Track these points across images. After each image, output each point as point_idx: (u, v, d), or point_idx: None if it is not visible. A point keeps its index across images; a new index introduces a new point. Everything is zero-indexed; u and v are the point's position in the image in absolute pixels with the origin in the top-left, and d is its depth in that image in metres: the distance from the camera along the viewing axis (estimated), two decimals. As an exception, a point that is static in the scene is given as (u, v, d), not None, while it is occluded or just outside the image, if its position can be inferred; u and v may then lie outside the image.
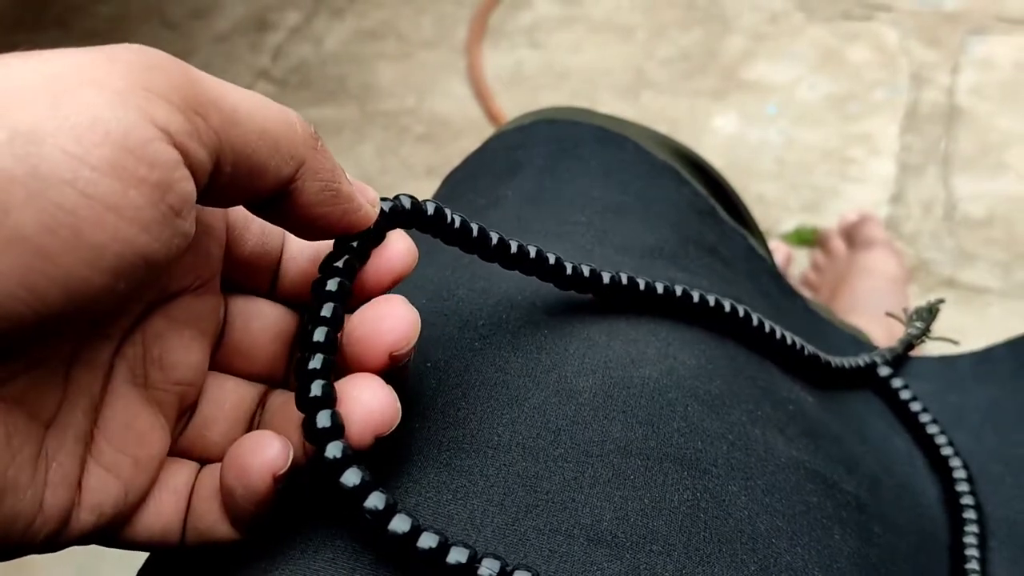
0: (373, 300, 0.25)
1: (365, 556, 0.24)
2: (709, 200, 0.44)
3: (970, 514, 0.37)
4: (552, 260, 0.30)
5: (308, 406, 0.23)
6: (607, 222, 0.38)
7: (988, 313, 0.95)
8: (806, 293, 0.94)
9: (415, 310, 0.24)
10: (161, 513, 0.24)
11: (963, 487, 0.38)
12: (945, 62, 1.18)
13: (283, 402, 0.26)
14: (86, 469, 0.22)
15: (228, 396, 0.26)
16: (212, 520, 0.24)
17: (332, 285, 0.25)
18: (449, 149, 1.18)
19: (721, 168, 0.54)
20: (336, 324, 0.24)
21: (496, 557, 0.23)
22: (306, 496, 0.26)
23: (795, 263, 1.02)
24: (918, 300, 0.96)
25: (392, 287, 0.26)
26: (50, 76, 0.18)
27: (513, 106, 1.21)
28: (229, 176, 0.21)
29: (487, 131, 1.14)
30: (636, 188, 0.41)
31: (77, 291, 0.18)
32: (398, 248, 0.26)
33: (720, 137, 1.15)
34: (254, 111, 0.21)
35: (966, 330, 0.93)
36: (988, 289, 0.97)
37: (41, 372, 0.21)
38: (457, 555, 0.23)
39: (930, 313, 0.44)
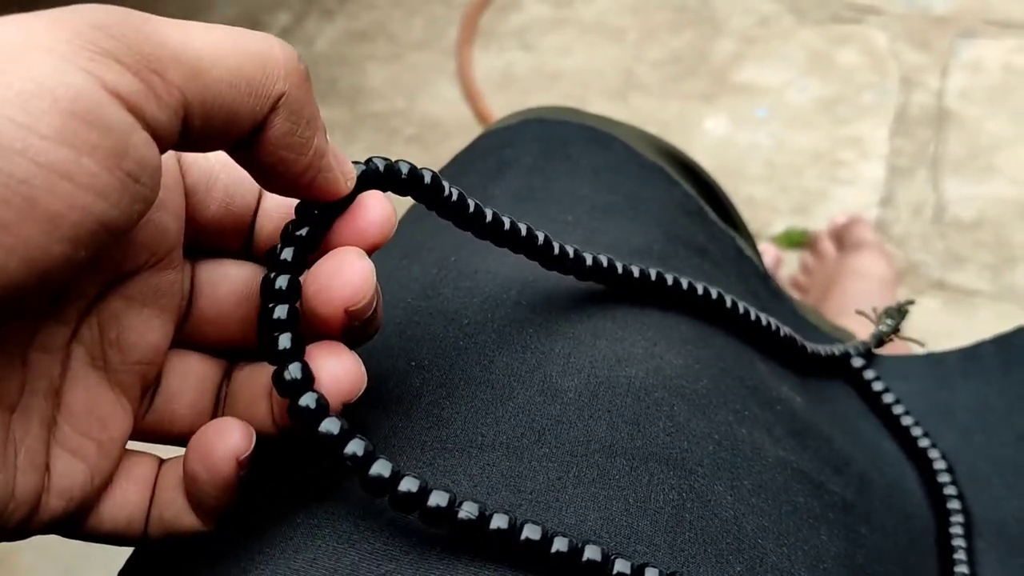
0: (327, 255, 0.23)
1: (346, 556, 0.24)
2: (698, 201, 0.44)
3: (954, 504, 0.37)
4: (541, 237, 0.29)
5: (278, 358, 0.23)
6: (595, 222, 0.38)
7: (977, 316, 0.95)
8: (795, 295, 0.94)
9: (369, 261, 0.23)
10: (126, 503, 0.24)
11: (944, 478, 0.38)
12: (935, 65, 1.18)
13: (248, 374, 0.26)
14: (52, 454, 0.22)
15: (192, 371, 0.26)
16: (176, 510, 0.24)
17: (287, 254, 0.24)
18: (439, 150, 1.18)
19: (711, 170, 0.54)
20: (294, 295, 0.24)
21: (475, 501, 0.23)
22: (284, 494, 0.26)
23: (785, 265, 1.02)
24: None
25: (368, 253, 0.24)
26: None
27: (503, 108, 1.21)
28: (201, 128, 0.20)
29: (477, 133, 1.14)
30: (625, 188, 0.41)
31: (36, 261, 0.17)
32: (373, 214, 0.24)
33: (710, 139, 1.15)
34: (222, 55, 0.20)
35: (955, 333, 0.93)
36: (977, 292, 0.97)
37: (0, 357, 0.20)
38: (437, 499, 0.23)
39: (899, 312, 0.44)
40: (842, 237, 0.97)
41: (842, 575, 0.29)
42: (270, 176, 0.22)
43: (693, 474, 0.28)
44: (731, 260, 0.42)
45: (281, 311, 0.23)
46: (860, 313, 0.44)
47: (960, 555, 0.35)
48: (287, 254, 0.24)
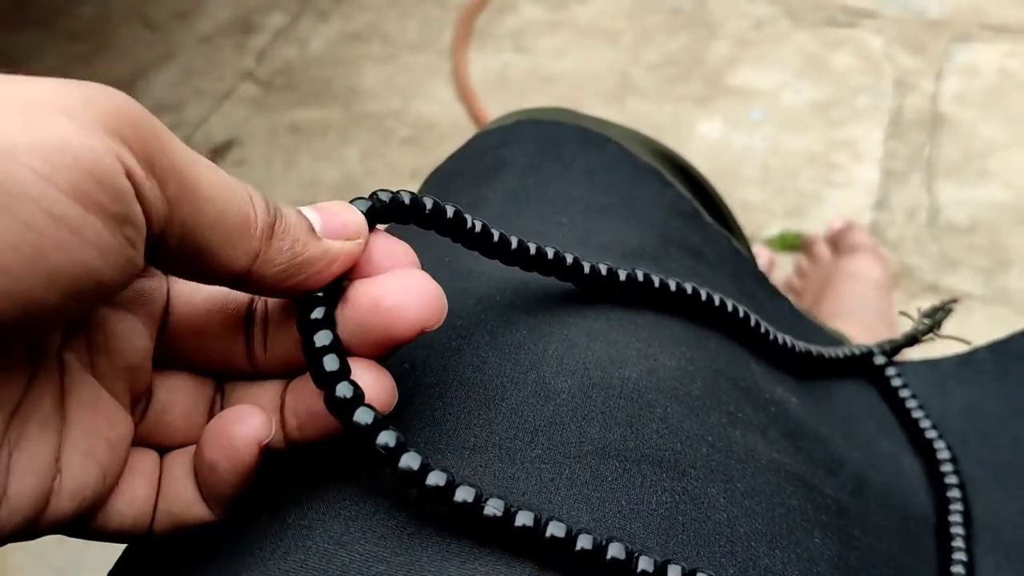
0: (387, 272, 0.24)
1: (337, 558, 0.24)
2: (692, 202, 0.44)
3: (954, 492, 0.37)
4: (533, 248, 0.29)
5: (319, 361, 0.23)
6: (589, 222, 0.38)
7: (971, 320, 0.95)
8: (790, 298, 0.94)
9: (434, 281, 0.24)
10: (134, 499, 0.24)
11: (947, 467, 0.38)
12: (929, 69, 1.18)
13: (245, 390, 0.26)
14: (63, 456, 0.22)
15: (182, 385, 0.26)
16: (186, 502, 0.24)
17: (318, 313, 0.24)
18: (434, 152, 1.18)
19: (705, 173, 0.54)
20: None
21: (500, 498, 0.24)
22: (273, 494, 0.25)
23: (778, 268, 1.02)
24: (902, 306, 0.96)
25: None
26: (24, 98, 0.18)
27: (498, 110, 1.21)
28: (175, 250, 0.20)
29: (472, 134, 1.13)
30: (619, 189, 0.40)
31: (31, 308, 0.18)
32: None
33: (705, 142, 1.15)
34: (215, 194, 0.21)
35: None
36: (971, 295, 0.97)
37: None
38: (464, 494, 0.23)
39: (942, 311, 0.44)
40: (837, 240, 0.97)
41: (837, 578, 0.29)
42: (286, 296, 0.24)
43: (686, 476, 0.28)
44: (726, 261, 0.42)
45: (324, 337, 0.23)
46: (904, 314, 0.44)
47: (958, 543, 0.35)
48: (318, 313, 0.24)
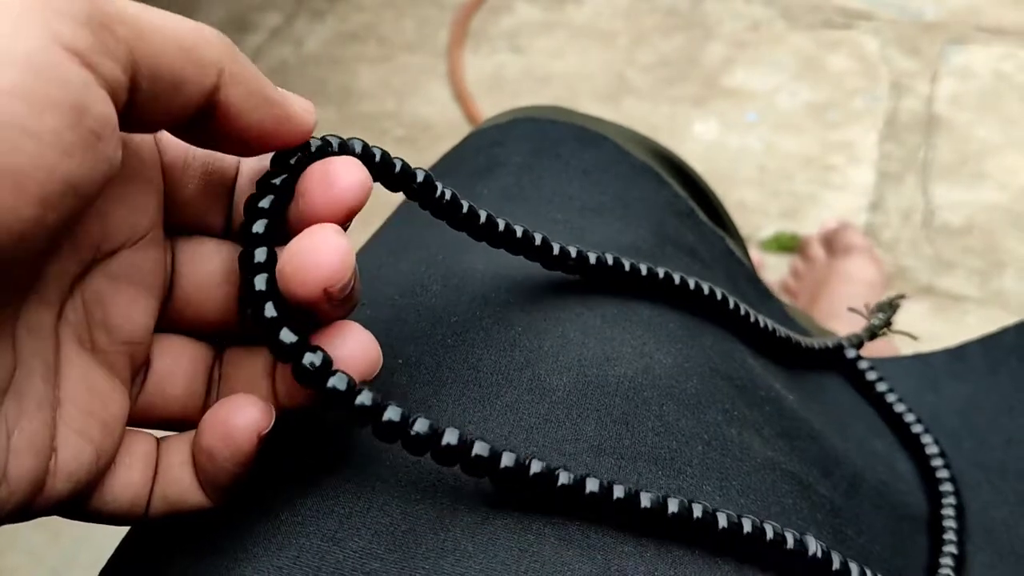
0: (302, 232, 0.23)
1: (331, 555, 0.24)
2: (688, 202, 0.44)
3: (946, 487, 0.37)
4: (501, 225, 0.29)
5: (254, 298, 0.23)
6: (585, 220, 0.38)
7: (965, 321, 0.95)
8: (785, 299, 0.94)
9: (346, 238, 0.23)
10: (130, 482, 0.23)
11: (937, 462, 0.38)
12: (925, 71, 1.18)
13: (242, 356, 0.26)
14: (58, 435, 0.22)
15: (182, 353, 0.25)
16: (183, 487, 0.24)
17: (265, 203, 0.23)
18: (429, 153, 1.18)
19: (701, 174, 0.54)
20: (272, 238, 0.23)
21: (485, 441, 0.24)
22: (266, 489, 0.25)
23: (767, 270, 1.02)
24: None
25: (342, 222, 0.23)
26: None
27: (494, 110, 1.21)
28: (148, 92, 0.20)
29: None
30: (615, 188, 0.40)
31: (6, 224, 0.17)
32: (346, 179, 0.23)
33: (700, 143, 1.15)
34: (163, 22, 0.20)
35: (943, 338, 0.93)
36: (966, 297, 0.97)
37: None
38: (450, 437, 0.23)
39: (891, 307, 0.44)
40: (832, 241, 0.97)
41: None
42: (247, 143, 0.23)
43: (682, 474, 0.28)
44: (721, 261, 0.42)
45: (260, 281, 0.23)
46: (852, 310, 0.44)
47: (950, 536, 0.35)
48: (265, 202, 0.23)
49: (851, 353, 0.42)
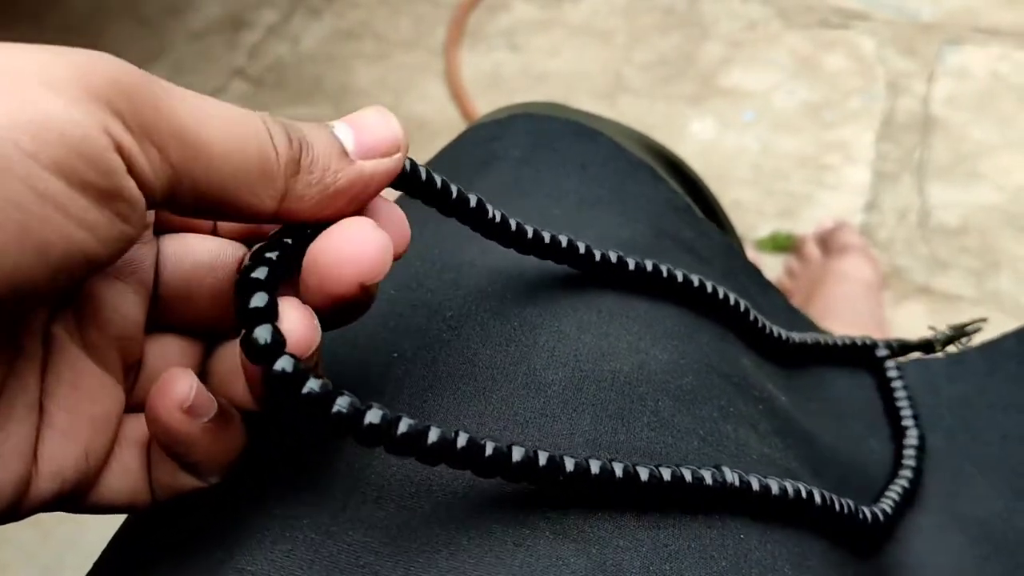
0: (335, 224, 0.22)
1: (325, 548, 0.24)
2: (685, 198, 0.44)
3: (905, 472, 0.37)
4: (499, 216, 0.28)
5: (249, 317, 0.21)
6: (582, 215, 0.37)
7: (961, 321, 0.95)
8: (781, 298, 0.94)
9: (384, 232, 0.22)
10: (128, 471, 0.23)
11: (910, 452, 0.38)
12: (921, 71, 1.18)
13: (223, 352, 0.25)
14: (41, 437, 0.21)
15: (172, 351, 0.25)
16: (172, 470, 0.23)
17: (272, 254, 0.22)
18: (426, 150, 1.17)
19: (698, 173, 0.54)
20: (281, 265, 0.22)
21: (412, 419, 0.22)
22: (258, 483, 0.25)
23: (763, 269, 1.01)
24: (892, 307, 0.96)
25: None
26: (8, 70, 0.17)
27: (490, 108, 1.20)
28: (193, 203, 0.20)
29: (464, 133, 1.13)
30: (612, 183, 0.40)
31: (19, 283, 0.17)
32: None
33: (697, 143, 1.15)
34: (228, 148, 0.20)
35: (939, 337, 0.93)
36: (961, 297, 0.97)
37: None
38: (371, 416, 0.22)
39: (962, 331, 0.44)
40: (827, 241, 0.97)
41: (825, 572, 0.29)
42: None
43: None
44: (719, 256, 0.42)
45: (259, 292, 0.22)
46: (931, 329, 0.44)
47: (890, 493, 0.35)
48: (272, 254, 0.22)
49: (883, 352, 0.42)
